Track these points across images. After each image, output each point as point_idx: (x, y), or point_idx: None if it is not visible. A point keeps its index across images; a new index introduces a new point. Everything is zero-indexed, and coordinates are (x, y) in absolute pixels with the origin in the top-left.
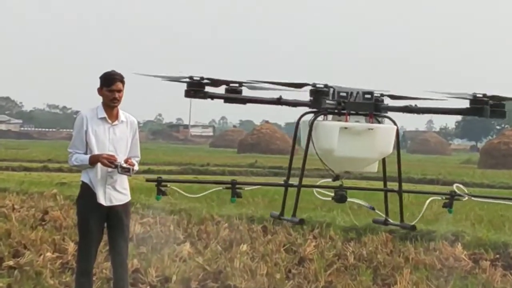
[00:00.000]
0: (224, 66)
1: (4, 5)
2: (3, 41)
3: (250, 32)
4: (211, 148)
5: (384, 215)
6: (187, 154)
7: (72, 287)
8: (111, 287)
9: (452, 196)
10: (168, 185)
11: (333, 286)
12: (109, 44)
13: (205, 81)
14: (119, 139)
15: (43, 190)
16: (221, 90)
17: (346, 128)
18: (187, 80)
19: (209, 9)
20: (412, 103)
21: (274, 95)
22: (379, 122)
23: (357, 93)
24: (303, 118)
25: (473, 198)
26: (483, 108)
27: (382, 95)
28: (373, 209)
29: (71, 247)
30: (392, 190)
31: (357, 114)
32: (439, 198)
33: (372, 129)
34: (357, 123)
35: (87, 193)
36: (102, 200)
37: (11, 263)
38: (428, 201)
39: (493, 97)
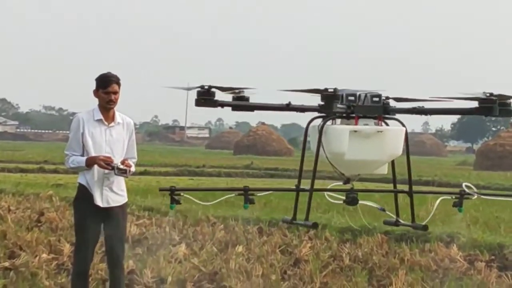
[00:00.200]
0: (224, 66)
1: (4, 5)
2: (2, 41)
3: (250, 32)
4: (207, 150)
5: (394, 216)
6: (183, 156)
7: None
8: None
9: (462, 195)
10: (182, 194)
11: (328, 287)
12: (109, 44)
13: (213, 89)
14: (115, 141)
15: (39, 192)
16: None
17: (356, 131)
18: (199, 89)
19: (209, 9)
20: (416, 104)
21: (282, 100)
22: (387, 125)
23: (365, 96)
24: (312, 123)
25: (482, 196)
26: (492, 107)
27: (387, 97)
28: (383, 210)
29: (67, 248)
30: (402, 191)
31: (366, 117)
32: (449, 197)
33: (381, 131)
34: (367, 126)
35: (84, 194)
36: (99, 201)
37: (6, 264)
38: (438, 201)
39: (500, 96)
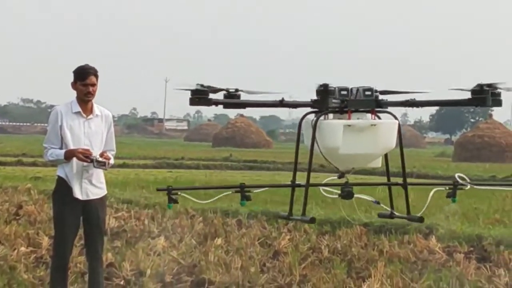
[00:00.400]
0: (224, 66)
1: (4, 5)
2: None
3: (250, 32)
4: (186, 142)
5: (389, 209)
6: (161, 148)
7: (46, 281)
8: (86, 281)
9: (455, 186)
10: (179, 193)
11: (307, 279)
12: (109, 44)
13: (205, 88)
14: (94, 133)
15: (17, 185)
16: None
17: (349, 125)
18: (191, 88)
19: (209, 9)
20: (401, 96)
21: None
22: (379, 118)
23: (357, 90)
24: (305, 118)
25: (475, 186)
26: (485, 97)
27: (375, 91)
28: (378, 203)
29: (46, 241)
30: (397, 184)
31: (358, 111)
32: (443, 188)
33: (375, 125)
34: (360, 120)
35: (63, 187)
36: (78, 194)
37: None
38: (432, 192)
39: (490, 86)
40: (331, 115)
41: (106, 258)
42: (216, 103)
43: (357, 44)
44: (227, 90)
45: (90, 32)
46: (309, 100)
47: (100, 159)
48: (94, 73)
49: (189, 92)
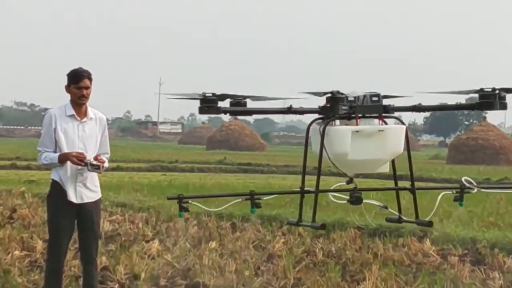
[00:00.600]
0: (224, 66)
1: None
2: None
3: (250, 32)
4: (180, 145)
5: (397, 213)
6: (155, 151)
7: (40, 285)
8: (80, 284)
9: (462, 190)
10: (190, 201)
11: (302, 283)
12: (105, 46)
13: (213, 97)
14: (88, 136)
15: (11, 188)
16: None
17: (357, 131)
18: (201, 97)
19: (209, 9)
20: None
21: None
22: (386, 124)
23: (364, 96)
24: (312, 125)
25: (482, 190)
26: (492, 102)
27: (378, 96)
28: (386, 208)
29: (40, 245)
30: (405, 188)
31: (366, 117)
32: (450, 192)
33: (382, 130)
34: (368, 126)
35: (57, 191)
36: (72, 197)
37: None
38: (440, 196)
39: (501, 90)
40: (337, 121)
41: (100, 262)
42: (225, 111)
43: (357, 44)
44: (233, 97)
45: (85, 34)
46: (317, 106)
47: (94, 162)
48: (88, 76)
49: (182, 96)
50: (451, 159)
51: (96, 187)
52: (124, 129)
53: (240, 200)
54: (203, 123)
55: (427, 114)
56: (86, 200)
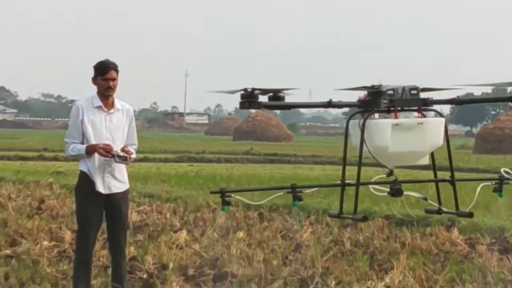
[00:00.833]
0: (224, 66)
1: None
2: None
3: (250, 32)
4: (207, 136)
5: (437, 205)
6: (182, 142)
7: (69, 275)
8: (109, 274)
9: (501, 181)
10: (232, 195)
11: (330, 272)
12: (109, 44)
13: (256, 92)
14: (116, 127)
15: (39, 179)
16: None
17: (397, 124)
18: (242, 92)
19: (209, 9)
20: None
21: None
22: (425, 116)
23: (403, 89)
24: (352, 119)
25: None
26: None
27: (417, 89)
28: (425, 199)
29: (68, 235)
30: (445, 180)
31: (405, 110)
32: (490, 183)
33: (422, 123)
34: (407, 118)
35: (85, 182)
36: (101, 188)
37: (8, 252)
38: (479, 187)
39: None
40: (376, 115)
41: (128, 252)
42: (266, 106)
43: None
44: (271, 91)
45: (112, 25)
46: (356, 100)
47: (121, 153)
48: (114, 67)
49: (208, 88)
50: (478, 149)
51: (124, 177)
52: (150, 120)
53: (282, 193)
54: (229, 114)
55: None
56: (114, 191)
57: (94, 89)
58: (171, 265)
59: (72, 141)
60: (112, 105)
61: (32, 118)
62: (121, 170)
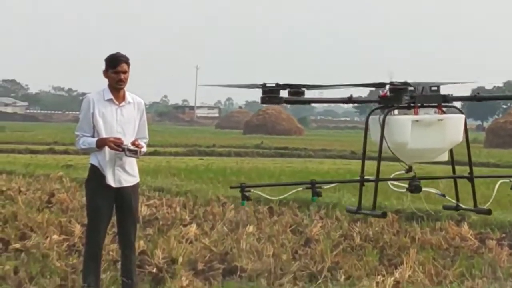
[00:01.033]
0: (224, 66)
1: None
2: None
3: (250, 32)
4: (217, 130)
5: (455, 201)
6: (193, 136)
7: (79, 269)
8: (119, 268)
9: None
10: (252, 190)
11: (339, 267)
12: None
13: (276, 87)
14: (126, 120)
15: (49, 173)
16: None
17: (417, 121)
18: (262, 87)
19: (209, 9)
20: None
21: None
22: (444, 113)
23: (423, 86)
24: (372, 115)
25: None
26: None
27: (438, 86)
28: (443, 196)
29: (78, 229)
30: (463, 177)
31: (424, 106)
32: (507, 180)
33: (442, 120)
34: (427, 115)
35: (96, 175)
36: (111, 181)
37: (17, 245)
38: (498, 184)
39: None
40: (396, 111)
41: (138, 246)
42: (287, 101)
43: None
44: (291, 86)
45: (123, 20)
46: (376, 96)
47: (132, 147)
48: (126, 60)
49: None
50: (489, 143)
51: (134, 171)
52: (161, 114)
53: (301, 188)
54: (240, 107)
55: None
56: (124, 184)
57: (105, 82)
58: (180, 259)
59: (83, 134)
60: (123, 98)
61: (42, 111)
62: (131, 163)
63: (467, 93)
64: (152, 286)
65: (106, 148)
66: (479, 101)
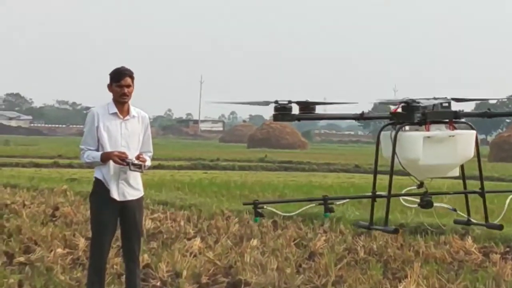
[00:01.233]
0: (223, 66)
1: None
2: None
3: (250, 32)
4: (221, 143)
5: (466, 216)
6: (197, 149)
7: (83, 283)
8: (123, 282)
9: None
10: (265, 207)
11: (343, 280)
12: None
13: (288, 104)
14: (131, 134)
15: (54, 186)
16: None
17: (429, 137)
18: (275, 104)
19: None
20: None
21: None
22: (455, 129)
23: (435, 103)
24: (383, 131)
25: None
26: None
27: (449, 102)
28: (455, 210)
29: (82, 242)
30: (474, 192)
31: (436, 122)
32: None
33: (453, 136)
34: (439, 131)
35: (100, 189)
36: (115, 195)
37: (22, 259)
38: (508, 199)
39: None
40: (407, 127)
41: (142, 259)
42: (299, 118)
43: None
44: (301, 103)
45: (129, 33)
46: (388, 113)
47: (136, 162)
48: (130, 74)
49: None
50: (493, 157)
51: (138, 185)
52: (165, 127)
53: (314, 204)
54: (244, 121)
55: (469, 111)
56: (128, 198)
57: (110, 96)
58: (184, 272)
59: (88, 148)
60: (127, 112)
61: (47, 125)
62: (136, 177)
63: (470, 108)
64: None
65: (111, 162)
66: (489, 117)
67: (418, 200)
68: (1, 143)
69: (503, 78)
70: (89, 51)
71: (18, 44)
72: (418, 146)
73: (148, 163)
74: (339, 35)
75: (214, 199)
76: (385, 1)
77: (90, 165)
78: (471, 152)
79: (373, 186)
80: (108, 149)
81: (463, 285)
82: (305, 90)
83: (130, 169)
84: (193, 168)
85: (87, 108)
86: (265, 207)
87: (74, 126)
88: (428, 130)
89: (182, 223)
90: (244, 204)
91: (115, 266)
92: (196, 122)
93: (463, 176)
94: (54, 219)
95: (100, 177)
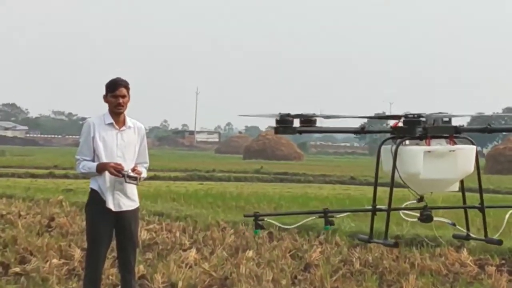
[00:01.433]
0: (223, 66)
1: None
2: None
3: (250, 32)
4: (217, 154)
5: (465, 230)
6: (192, 160)
7: None
8: None
9: None
10: (265, 219)
11: None
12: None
13: (290, 117)
14: (127, 145)
15: (49, 197)
16: None
17: (429, 151)
18: (278, 117)
19: (209, 9)
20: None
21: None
22: (456, 144)
23: (435, 118)
24: (384, 145)
25: None
26: None
27: (450, 117)
28: (454, 225)
29: (78, 253)
30: (474, 207)
31: (436, 137)
32: None
33: (453, 150)
34: (439, 146)
35: (96, 199)
36: (111, 205)
37: (17, 269)
38: (508, 214)
39: None
40: (408, 141)
41: (138, 270)
42: (301, 131)
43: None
44: (305, 116)
45: (125, 42)
46: (389, 127)
47: (132, 174)
48: (125, 85)
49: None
50: (488, 169)
51: (134, 195)
52: (161, 138)
53: (314, 217)
54: (239, 132)
55: (464, 124)
56: (124, 209)
57: (105, 107)
58: (180, 284)
59: (83, 158)
60: (123, 123)
61: (42, 135)
62: (131, 188)
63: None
64: None
65: (106, 173)
66: (490, 133)
67: (418, 214)
68: None
69: (503, 78)
70: (89, 51)
71: (13, 54)
72: (419, 161)
73: (144, 174)
74: (339, 35)
75: (209, 210)
76: (385, 1)
77: (86, 176)
78: (471, 167)
79: (373, 199)
80: (104, 159)
81: None
82: (305, 90)
83: (126, 181)
84: (188, 179)
85: (83, 119)
86: (265, 219)
87: (70, 136)
88: (428, 144)
89: (177, 234)
90: (245, 216)
91: (110, 277)
92: (192, 133)
93: (462, 191)
94: (49, 229)
95: (96, 187)
